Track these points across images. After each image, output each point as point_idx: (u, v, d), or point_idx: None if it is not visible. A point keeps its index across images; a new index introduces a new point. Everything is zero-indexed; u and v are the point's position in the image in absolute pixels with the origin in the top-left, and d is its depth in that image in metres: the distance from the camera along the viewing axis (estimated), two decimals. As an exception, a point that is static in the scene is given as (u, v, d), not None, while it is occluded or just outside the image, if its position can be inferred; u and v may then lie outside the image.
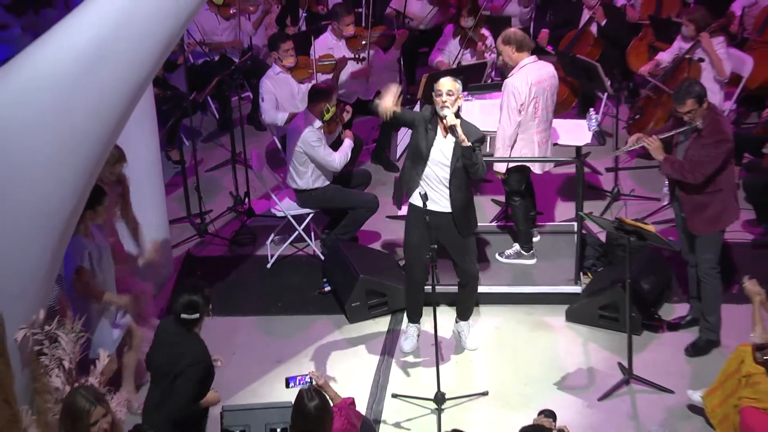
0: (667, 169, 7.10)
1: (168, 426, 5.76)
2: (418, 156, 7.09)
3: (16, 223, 5.51)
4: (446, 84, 6.96)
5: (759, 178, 8.44)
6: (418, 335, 7.60)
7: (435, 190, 7.09)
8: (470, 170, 7.00)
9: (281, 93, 9.33)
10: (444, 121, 6.91)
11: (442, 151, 7.03)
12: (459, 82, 7.03)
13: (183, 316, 5.89)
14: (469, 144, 6.87)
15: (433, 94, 7.01)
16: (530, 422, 5.32)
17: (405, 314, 7.75)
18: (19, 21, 10.28)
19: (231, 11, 10.81)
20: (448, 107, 6.90)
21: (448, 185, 7.08)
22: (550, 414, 5.42)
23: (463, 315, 7.67)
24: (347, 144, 8.56)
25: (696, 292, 7.44)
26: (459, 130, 6.85)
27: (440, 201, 7.11)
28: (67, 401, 5.17)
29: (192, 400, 5.88)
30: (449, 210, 7.13)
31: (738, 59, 9.76)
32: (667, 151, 7.11)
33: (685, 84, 7.22)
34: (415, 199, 7.14)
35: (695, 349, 7.38)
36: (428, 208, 6.95)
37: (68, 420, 5.07)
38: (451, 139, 6.99)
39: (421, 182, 7.12)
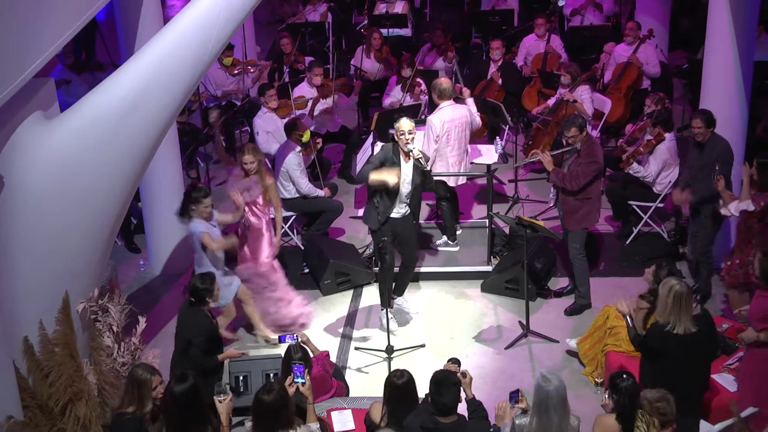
0: (553, 178, 7.16)
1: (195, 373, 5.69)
2: None
3: (78, 223, 5.50)
4: (407, 125, 6.79)
5: (617, 188, 8.56)
6: (391, 316, 7.24)
7: (401, 202, 7.03)
8: (427, 185, 7.03)
9: (270, 127, 9.26)
10: (411, 153, 6.79)
11: (406, 173, 6.94)
12: (413, 121, 6.90)
13: (190, 298, 5.89)
14: (428, 168, 6.87)
15: (396, 133, 6.84)
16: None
17: (378, 298, 7.45)
18: (79, 77, 10.11)
19: (236, 71, 10.81)
20: (411, 143, 6.81)
21: (409, 198, 7.04)
22: (456, 361, 5.29)
23: (399, 291, 7.50)
24: (321, 192, 8.47)
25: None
26: (423, 159, 6.81)
27: (403, 209, 7.06)
28: (132, 374, 5.04)
29: (202, 358, 5.80)
30: (409, 212, 7.10)
31: (601, 101, 9.85)
32: (557, 165, 7.20)
33: (572, 116, 7.36)
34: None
35: (572, 311, 7.45)
36: (396, 215, 6.97)
37: (134, 387, 4.96)
38: (410, 163, 6.90)
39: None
